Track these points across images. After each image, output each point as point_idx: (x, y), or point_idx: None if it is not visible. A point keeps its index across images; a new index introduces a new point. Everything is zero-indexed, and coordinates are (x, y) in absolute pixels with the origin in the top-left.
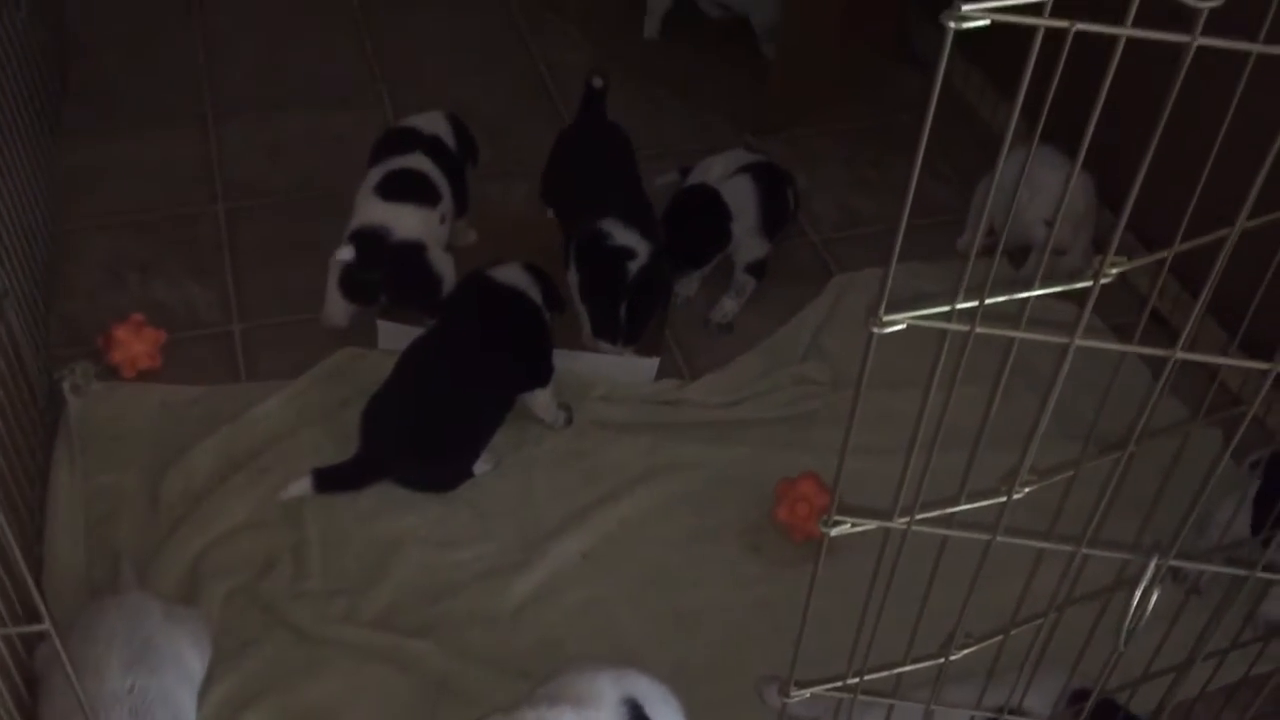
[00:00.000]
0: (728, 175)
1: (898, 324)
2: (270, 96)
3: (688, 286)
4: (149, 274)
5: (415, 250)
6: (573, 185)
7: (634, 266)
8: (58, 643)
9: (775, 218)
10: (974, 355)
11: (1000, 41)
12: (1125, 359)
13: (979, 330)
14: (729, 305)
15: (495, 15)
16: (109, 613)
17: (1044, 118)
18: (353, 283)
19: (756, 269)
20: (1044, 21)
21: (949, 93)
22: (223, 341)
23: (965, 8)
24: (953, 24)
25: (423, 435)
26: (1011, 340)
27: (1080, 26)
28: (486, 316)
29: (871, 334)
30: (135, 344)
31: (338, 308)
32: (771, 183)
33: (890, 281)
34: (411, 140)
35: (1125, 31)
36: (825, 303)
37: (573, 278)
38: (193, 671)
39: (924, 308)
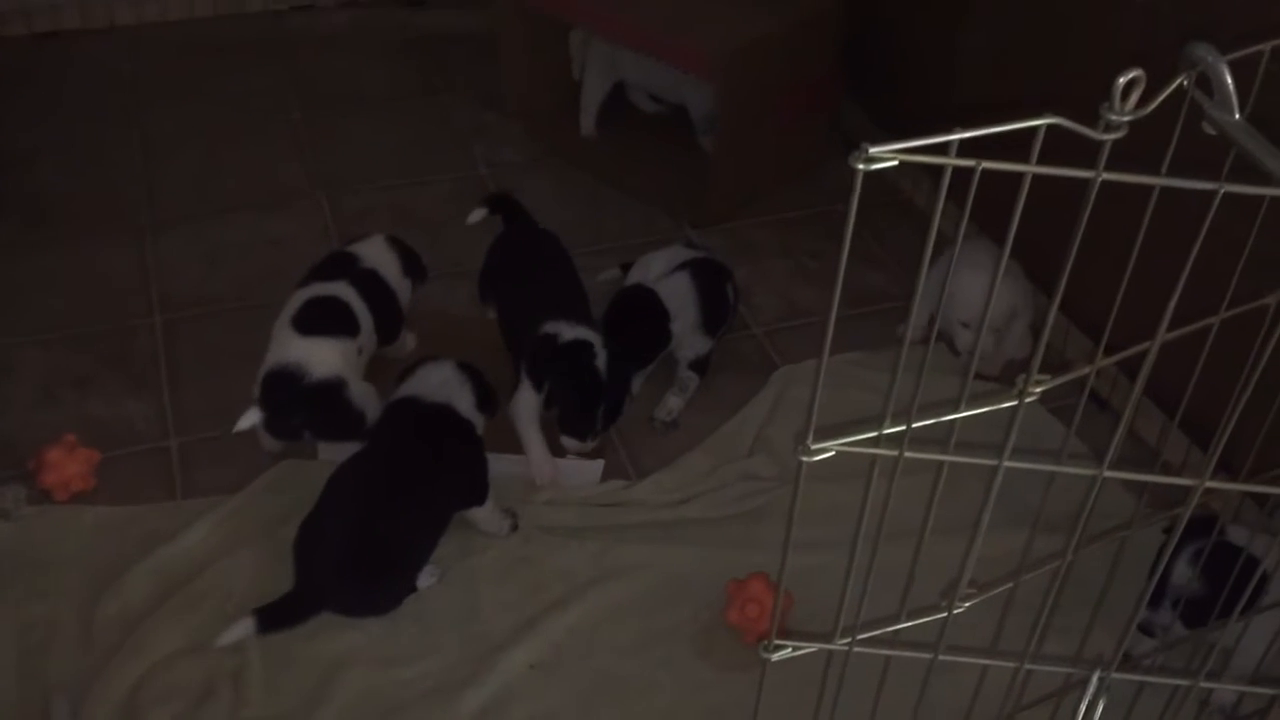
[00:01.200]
0: (667, 272)
1: (826, 452)
2: (209, 205)
3: (631, 385)
4: (84, 390)
5: (334, 388)
6: (510, 288)
7: (599, 360)
8: None
9: (716, 314)
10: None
11: (931, 130)
12: (1067, 442)
13: (908, 454)
14: (673, 403)
15: (435, 117)
16: None
17: (964, 222)
18: (274, 424)
19: (699, 366)
20: (951, 161)
21: (883, 182)
22: (159, 458)
23: (873, 150)
24: (861, 166)
25: (356, 567)
26: (942, 466)
27: (986, 165)
28: (415, 442)
29: (801, 462)
30: (68, 466)
31: (266, 440)
32: (710, 279)
33: (816, 412)
34: (340, 267)
35: (1031, 169)
36: (769, 396)
37: (526, 395)
38: None
39: (864, 399)
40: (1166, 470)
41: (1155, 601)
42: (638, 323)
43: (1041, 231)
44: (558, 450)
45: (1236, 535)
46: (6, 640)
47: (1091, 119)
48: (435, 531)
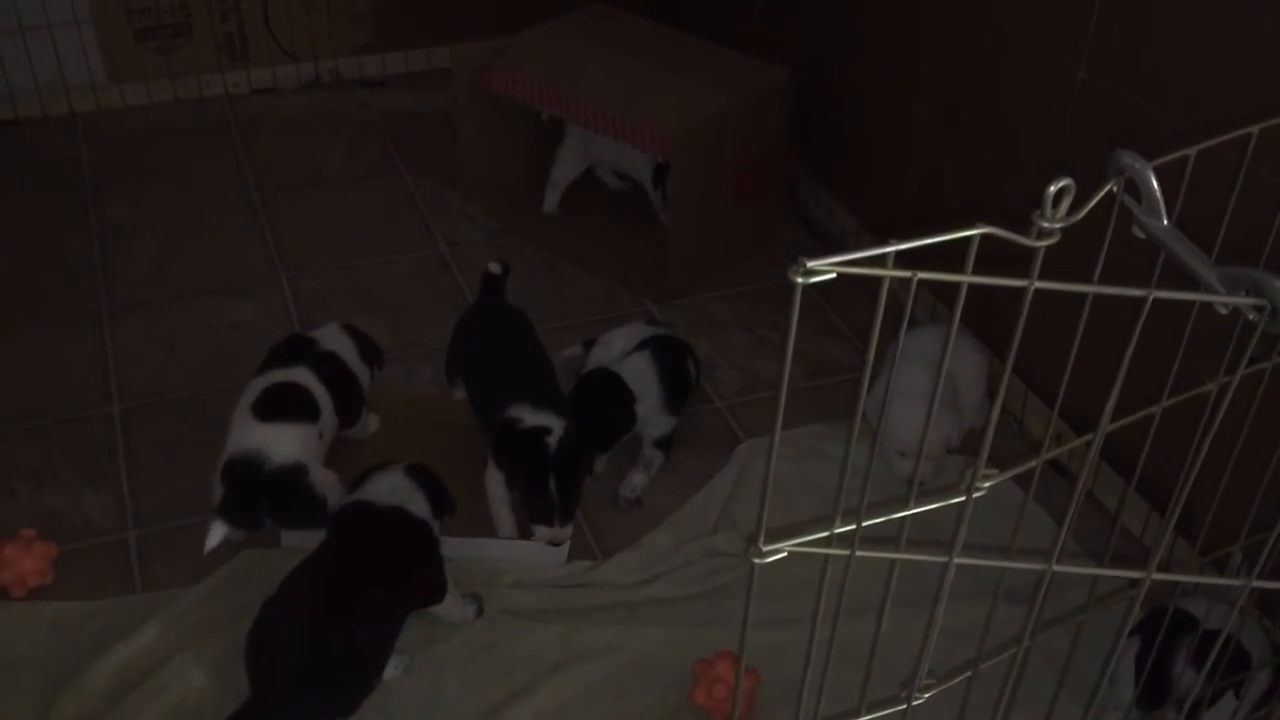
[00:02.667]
0: (629, 349)
1: (779, 553)
2: (167, 290)
3: (595, 465)
4: (40, 482)
5: (295, 474)
6: (476, 368)
7: (552, 441)
8: None
9: (679, 392)
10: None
11: (890, 204)
12: (1017, 529)
13: (859, 554)
14: (638, 480)
15: (395, 196)
16: None
17: (901, 335)
18: (235, 513)
19: (664, 444)
20: (889, 273)
21: (840, 251)
22: (117, 550)
23: (810, 264)
24: (800, 279)
25: (311, 682)
26: (893, 561)
27: (923, 276)
28: (367, 546)
29: (753, 564)
30: (25, 561)
31: (227, 528)
32: (672, 357)
33: (766, 514)
34: (298, 352)
35: (966, 279)
36: (733, 471)
37: (494, 475)
38: None
39: (823, 471)
40: (1126, 536)
41: (1156, 702)
42: (603, 407)
43: (991, 304)
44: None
45: (1197, 611)
46: None
47: (1026, 225)
48: (391, 635)
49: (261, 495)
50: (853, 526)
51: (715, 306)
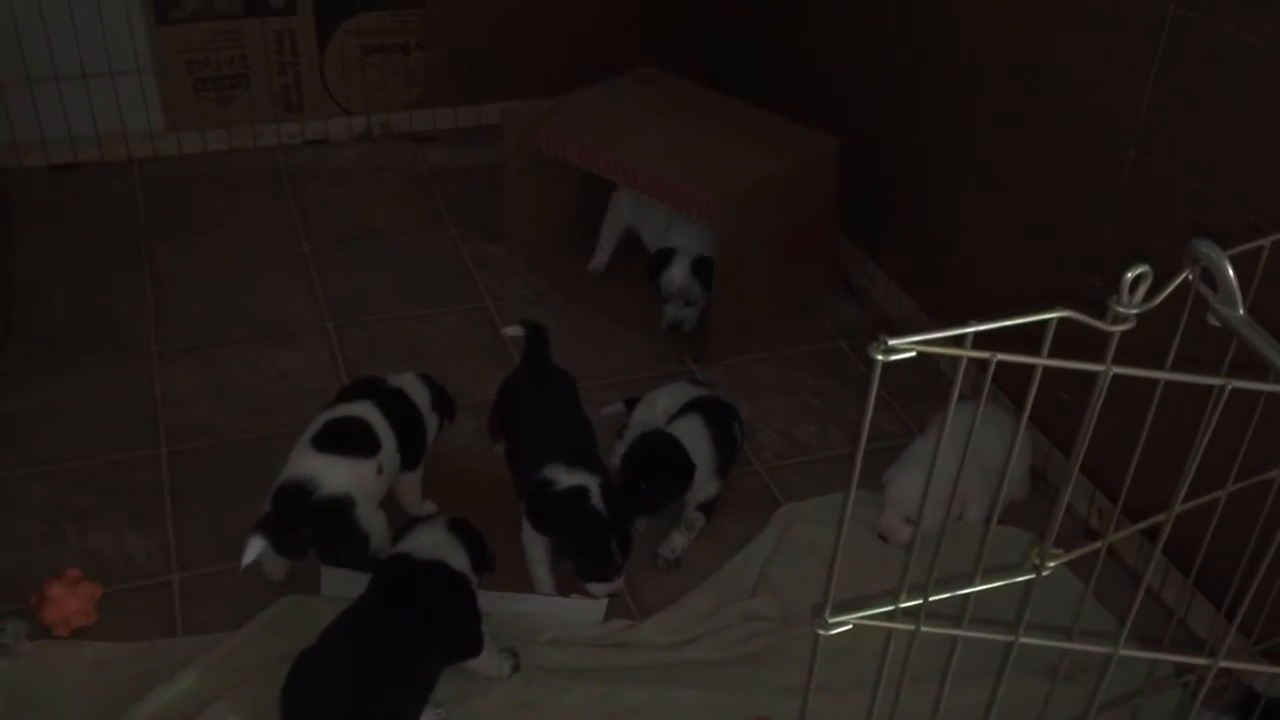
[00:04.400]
0: (673, 409)
1: (844, 625)
2: (216, 336)
3: (636, 525)
4: (86, 522)
5: (341, 506)
6: (516, 426)
7: (594, 499)
8: None
9: (727, 457)
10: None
11: (940, 283)
12: (1081, 611)
13: (924, 629)
14: (679, 541)
15: (442, 250)
16: None
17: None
18: (279, 540)
19: (707, 507)
20: (966, 353)
21: (883, 317)
22: (161, 593)
23: (892, 342)
24: (880, 357)
25: None
26: (955, 639)
27: (1001, 357)
28: (406, 600)
29: (818, 635)
30: (70, 601)
31: (270, 564)
32: (722, 421)
33: (833, 587)
34: (367, 389)
35: (1042, 361)
36: (772, 535)
37: (531, 534)
38: None
39: (866, 539)
40: (1180, 628)
41: None
42: (661, 470)
43: (1055, 389)
44: (569, 586)
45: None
46: None
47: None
48: (427, 690)
49: (305, 521)
50: (919, 601)
51: (756, 369)
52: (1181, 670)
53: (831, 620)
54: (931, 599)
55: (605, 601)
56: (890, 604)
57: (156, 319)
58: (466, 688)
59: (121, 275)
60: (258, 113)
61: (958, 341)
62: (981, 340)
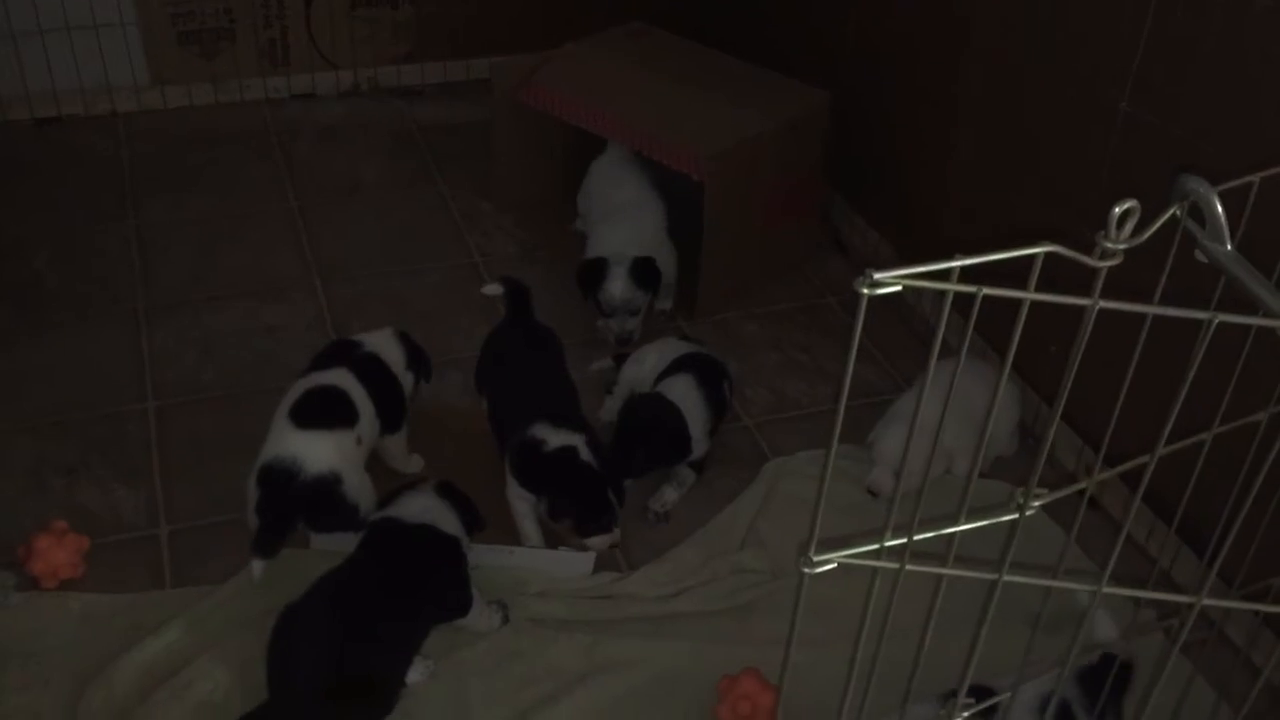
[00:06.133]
0: (662, 366)
1: (829, 563)
2: (203, 292)
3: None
4: (74, 476)
5: (329, 484)
6: (500, 382)
7: (585, 456)
8: None
9: (717, 415)
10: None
11: (923, 232)
12: (1065, 554)
13: (909, 567)
14: (669, 495)
15: (430, 206)
16: None
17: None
18: (269, 515)
19: (698, 465)
20: (953, 287)
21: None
22: (149, 546)
23: (877, 275)
24: (866, 290)
25: (333, 690)
26: (941, 580)
27: (987, 292)
28: (395, 563)
29: (804, 574)
30: (57, 553)
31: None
32: (713, 380)
33: (819, 525)
34: (342, 354)
35: (1029, 295)
36: (760, 489)
37: (517, 490)
38: None
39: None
40: (1163, 578)
41: None
42: (658, 436)
43: (1036, 334)
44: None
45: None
46: None
47: (1079, 244)
48: (414, 650)
49: (295, 505)
50: (903, 540)
51: (745, 326)
52: (1164, 615)
53: (816, 559)
54: (916, 538)
55: (593, 555)
56: (875, 543)
57: (143, 275)
58: (455, 640)
59: (107, 231)
60: (243, 67)
61: (943, 276)
62: (968, 276)
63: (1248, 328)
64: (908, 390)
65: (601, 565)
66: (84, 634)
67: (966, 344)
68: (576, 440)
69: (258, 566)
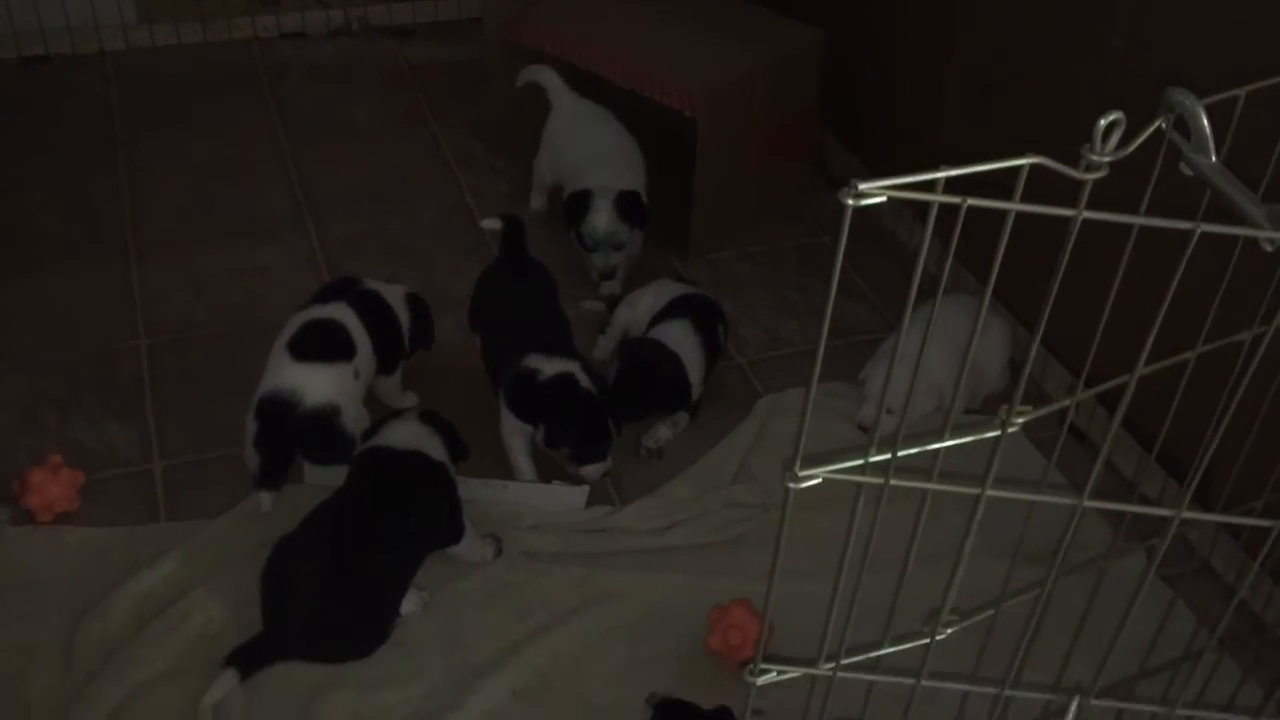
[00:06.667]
0: (657, 308)
1: (814, 478)
2: (194, 231)
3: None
4: (68, 413)
5: (327, 416)
6: (494, 318)
7: (585, 384)
8: None
9: (712, 358)
10: (893, 494)
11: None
12: (1047, 473)
13: (893, 483)
14: (663, 433)
15: (421, 147)
16: None
17: (944, 282)
18: (267, 446)
19: (693, 406)
20: (938, 198)
21: (866, 214)
22: (143, 480)
23: (862, 186)
24: (851, 202)
25: (325, 624)
26: (925, 490)
27: (972, 202)
28: (386, 490)
29: (789, 489)
30: (52, 487)
31: (254, 461)
32: (708, 324)
33: (805, 438)
34: (342, 290)
35: (1014, 206)
36: (752, 425)
37: (511, 423)
38: None
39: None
40: (1144, 503)
41: None
42: (661, 390)
43: (1023, 268)
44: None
45: None
46: None
47: (1071, 161)
48: (407, 577)
49: (294, 437)
50: (887, 455)
51: (739, 266)
52: (1145, 536)
53: (801, 474)
54: (901, 454)
55: (587, 489)
56: (860, 458)
57: (133, 214)
58: (450, 571)
59: (97, 171)
60: (233, 5)
61: (928, 187)
62: (955, 189)
63: (1232, 245)
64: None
65: (594, 500)
66: (79, 567)
67: (948, 269)
68: (573, 368)
69: (266, 499)
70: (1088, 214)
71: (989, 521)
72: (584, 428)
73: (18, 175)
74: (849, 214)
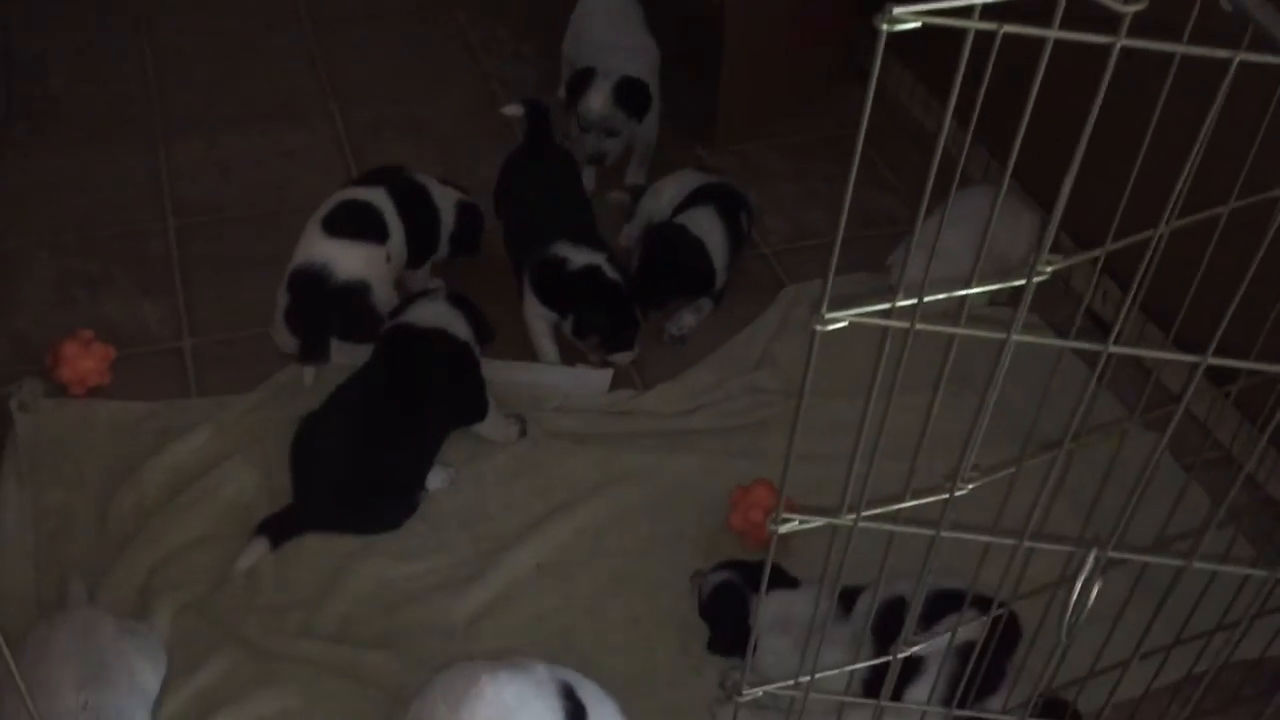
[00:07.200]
0: (680, 198)
1: (839, 322)
2: (220, 114)
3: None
4: (97, 291)
5: (358, 292)
6: (518, 204)
7: (611, 275)
8: (9, 658)
9: (736, 246)
10: (916, 363)
11: (944, 54)
12: (1063, 358)
13: (919, 327)
14: (688, 320)
15: (446, 32)
16: (61, 629)
17: (974, 123)
18: (297, 320)
19: (717, 295)
20: (974, 24)
21: (896, 108)
22: (173, 357)
23: (897, 10)
24: (885, 26)
25: (353, 495)
26: (952, 338)
27: (1008, 29)
28: (411, 366)
29: (815, 331)
30: (84, 360)
31: (286, 338)
32: (732, 212)
33: (832, 279)
34: (387, 176)
35: (1053, 34)
36: (776, 313)
37: (535, 308)
38: (147, 687)
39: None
40: (1159, 389)
41: None
42: (683, 271)
43: (1049, 156)
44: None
45: None
46: (25, 525)
47: None
48: (431, 452)
49: (324, 310)
50: (913, 301)
51: (766, 157)
52: (1151, 408)
53: (828, 315)
54: (927, 299)
55: (610, 372)
56: (887, 303)
57: (159, 95)
58: (476, 450)
59: (121, 50)
60: None
61: (966, 13)
62: (992, 16)
63: (1271, 87)
64: (930, 217)
65: (618, 384)
66: (113, 439)
67: (968, 143)
68: (599, 259)
69: (309, 373)
70: (1126, 41)
71: (1006, 404)
72: (611, 320)
73: (41, 53)
74: (883, 38)
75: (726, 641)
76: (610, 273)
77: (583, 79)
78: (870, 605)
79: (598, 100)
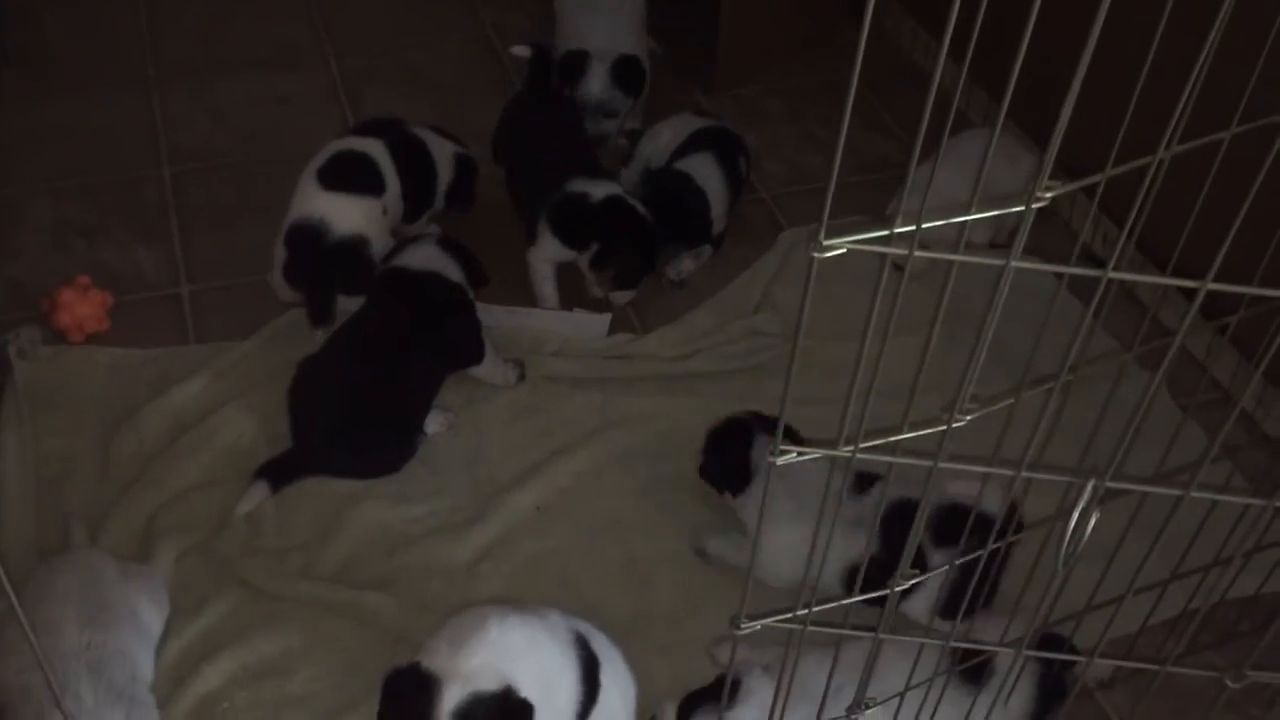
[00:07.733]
0: (678, 142)
1: (838, 249)
2: (214, 60)
3: None
4: (94, 237)
5: (355, 246)
6: (522, 149)
7: (633, 204)
8: (13, 597)
9: (735, 191)
10: (915, 304)
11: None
12: (1060, 293)
13: (918, 254)
14: (687, 264)
15: None
16: (64, 571)
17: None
18: (296, 276)
19: (717, 240)
20: None
21: (895, 51)
22: (171, 304)
23: None
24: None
25: (350, 438)
26: (951, 267)
27: None
28: (405, 309)
29: (813, 259)
30: (82, 306)
31: (284, 289)
32: (730, 157)
33: (830, 204)
34: (384, 128)
35: None
36: (775, 257)
37: (547, 249)
38: (149, 628)
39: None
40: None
41: None
42: (682, 216)
43: (1040, 90)
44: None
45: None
46: (27, 470)
47: None
48: (429, 395)
49: (323, 266)
50: (912, 228)
51: (765, 101)
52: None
53: (826, 242)
54: (925, 226)
55: (609, 316)
56: (885, 230)
57: (152, 41)
58: (475, 394)
59: None
60: None
61: None
62: None
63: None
64: (925, 161)
65: (616, 328)
66: (112, 384)
67: (963, 81)
68: (617, 189)
69: (320, 336)
70: None
71: (1003, 342)
72: (637, 244)
73: (34, 3)
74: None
75: (716, 470)
76: (631, 200)
77: (578, 63)
78: (876, 509)
79: (596, 84)
